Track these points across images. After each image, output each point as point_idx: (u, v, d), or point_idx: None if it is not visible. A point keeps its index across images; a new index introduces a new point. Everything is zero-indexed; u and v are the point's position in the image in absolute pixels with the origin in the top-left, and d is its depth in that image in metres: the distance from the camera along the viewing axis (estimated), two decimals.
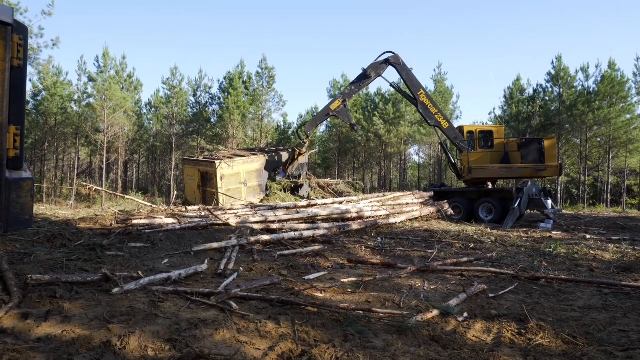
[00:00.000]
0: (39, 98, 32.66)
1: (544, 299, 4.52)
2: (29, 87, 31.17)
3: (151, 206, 13.05)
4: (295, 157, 16.03)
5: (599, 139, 33.40)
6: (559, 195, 32.50)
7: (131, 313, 3.44)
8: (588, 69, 32.15)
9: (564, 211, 22.57)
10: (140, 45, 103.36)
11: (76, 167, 35.99)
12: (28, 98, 32.31)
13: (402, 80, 15.64)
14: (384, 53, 15.31)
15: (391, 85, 15.50)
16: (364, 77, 15.62)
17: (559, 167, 15.35)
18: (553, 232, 11.51)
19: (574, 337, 3.28)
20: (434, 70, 34.94)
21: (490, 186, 15.89)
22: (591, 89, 31.73)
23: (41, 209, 16.65)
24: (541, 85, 35.57)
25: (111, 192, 20.72)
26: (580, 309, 4.18)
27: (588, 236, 10.58)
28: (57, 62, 41.62)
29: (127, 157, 40.78)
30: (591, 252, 7.88)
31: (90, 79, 32.23)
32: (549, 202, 14.22)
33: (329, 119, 17.63)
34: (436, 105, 15.25)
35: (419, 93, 14.99)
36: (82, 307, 3.55)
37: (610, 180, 32.56)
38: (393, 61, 15.05)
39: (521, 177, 16.10)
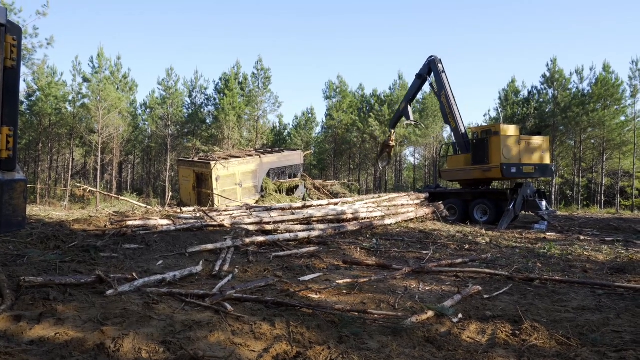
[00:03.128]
0: (33, 98, 32.51)
1: (538, 300, 4.54)
2: (23, 87, 31.02)
3: (146, 207, 13.00)
4: (385, 147, 19.04)
5: (593, 141, 33.64)
6: (553, 197, 32.68)
7: (125, 315, 3.42)
8: (582, 71, 32.46)
9: (558, 212, 22.69)
10: (136, 46, 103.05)
11: (70, 168, 35.80)
12: (22, 98, 32.12)
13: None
14: (430, 57, 16.82)
15: (430, 84, 17.07)
16: (417, 79, 17.64)
17: (499, 167, 14.12)
18: (547, 233, 11.57)
19: (567, 338, 3.30)
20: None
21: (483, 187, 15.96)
22: (585, 91, 31.98)
23: (35, 210, 16.55)
24: (536, 87, 35.89)
25: (105, 193, 20.64)
26: (574, 309, 4.21)
27: (582, 237, 10.64)
28: (51, 62, 41.53)
29: (121, 158, 40.63)
30: (585, 253, 7.93)
31: (85, 80, 32.13)
32: (544, 203, 14.30)
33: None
34: (451, 107, 15.98)
35: (441, 93, 16.32)
36: (76, 309, 3.53)
37: (604, 182, 32.78)
38: (430, 63, 16.70)
39: (473, 180, 15.78)
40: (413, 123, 20.56)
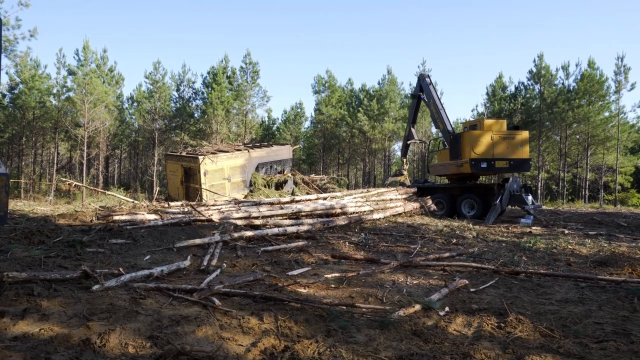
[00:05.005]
0: (16, 91, 31.83)
1: (523, 293, 4.61)
2: (5, 79, 30.36)
3: (133, 202, 12.88)
4: (399, 175, 19.39)
5: (578, 136, 34.08)
6: (539, 191, 33.12)
7: (111, 310, 3.39)
8: (568, 67, 32.74)
9: (544, 207, 23.01)
10: (122, 38, 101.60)
11: (55, 162, 35.24)
12: (4, 91, 31.45)
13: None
14: (420, 74, 18.37)
15: (422, 99, 18.05)
16: (414, 100, 18.69)
17: (468, 162, 14.29)
18: (533, 228, 11.73)
19: (551, 330, 3.36)
20: (418, 67, 35.19)
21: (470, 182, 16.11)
22: (571, 87, 32.31)
23: (19, 205, 16.28)
24: (523, 83, 36.14)
25: (92, 187, 20.38)
26: (558, 302, 4.28)
27: (566, 231, 10.81)
28: (35, 54, 40.72)
29: (108, 152, 40.07)
30: (569, 246, 8.06)
31: (70, 73, 31.52)
32: (530, 198, 14.45)
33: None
34: (439, 111, 16.76)
35: (430, 102, 17.29)
36: (61, 304, 3.49)
37: (588, 177, 33.27)
38: (419, 79, 18.16)
39: (452, 175, 15.94)
40: (418, 141, 22.57)
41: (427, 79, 17.66)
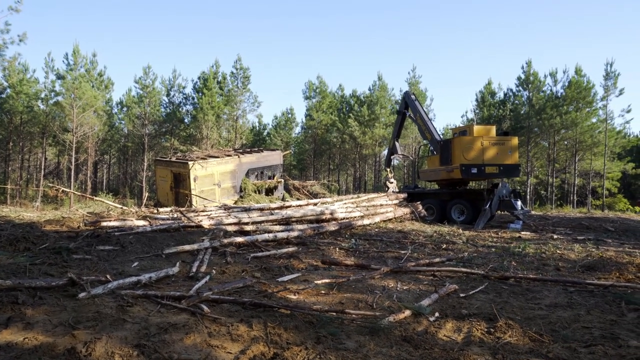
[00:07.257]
0: (3, 96, 31.44)
1: (512, 298, 4.63)
2: None
3: (122, 208, 12.74)
4: (386, 185, 19.31)
5: (566, 142, 34.49)
6: (528, 197, 33.41)
7: (98, 318, 3.33)
8: (556, 74, 33.20)
9: (533, 212, 23.21)
10: (112, 43, 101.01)
11: (43, 167, 34.81)
12: None
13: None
14: (404, 92, 19.19)
15: (408, 116, 18.49)
16: (398, 116, 19.22)
17: (459, 167, 14.51)
18: (522, 233, 11.81)
19: (540, 335, 3.37)
20: (409, 73, 35.43)
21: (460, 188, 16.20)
22: (559, 94, 32.75)
23: (4, 211, 16.01)
24: (511, 90, 36.55)
25: (80, 193, 20.13)
26: (547, 307, 4.30)
27: (555, 236, 10.90)
28: (23, 58, 40.17)
29: (97, 157, 39.69)
30: (558, 251, 8.13)
31: (59, 77, 31.22)
32: (519, 203, 14.56)
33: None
34: (425, 123, 17.09)
35: (416, 116, 17.68)
36: (46, 312, 3.42)
37: (576, 182, 33.66)
38: (405, 96, 18.75)
39: (442, 180, 16.13)
40: (401, 156, 22.79)
41: (412, 96, 18.37)
